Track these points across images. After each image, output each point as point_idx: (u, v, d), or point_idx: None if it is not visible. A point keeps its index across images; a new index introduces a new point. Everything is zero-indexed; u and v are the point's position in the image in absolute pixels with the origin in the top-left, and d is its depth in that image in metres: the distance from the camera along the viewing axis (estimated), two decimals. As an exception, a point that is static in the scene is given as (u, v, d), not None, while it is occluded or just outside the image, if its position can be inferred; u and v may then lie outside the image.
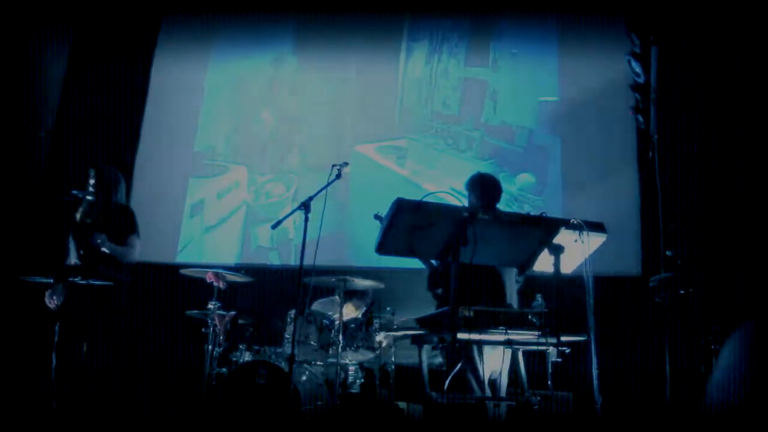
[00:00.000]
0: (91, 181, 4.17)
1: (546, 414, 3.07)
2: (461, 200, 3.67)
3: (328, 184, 3.83)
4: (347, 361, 4.29)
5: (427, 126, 6.12)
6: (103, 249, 3.94)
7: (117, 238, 4.05)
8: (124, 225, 4.13)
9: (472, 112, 6.10)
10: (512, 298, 3.59)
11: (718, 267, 4.98)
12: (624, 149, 5.75)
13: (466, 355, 3.25)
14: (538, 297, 2.99)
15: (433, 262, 3.74)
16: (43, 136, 6.30)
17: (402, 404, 4.24)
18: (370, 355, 4.27)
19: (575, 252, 2.83)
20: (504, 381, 3.45)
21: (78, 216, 4.17)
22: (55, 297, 3.94)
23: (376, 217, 4.20)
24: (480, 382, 3.32)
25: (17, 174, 5.87)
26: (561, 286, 2.73)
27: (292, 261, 5.81)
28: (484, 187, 3.72)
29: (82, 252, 4.01)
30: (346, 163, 3.90)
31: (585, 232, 2.79)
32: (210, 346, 4.37)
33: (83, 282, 3.85)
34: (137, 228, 4.17)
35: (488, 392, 3.35)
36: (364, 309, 4.65)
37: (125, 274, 4.12)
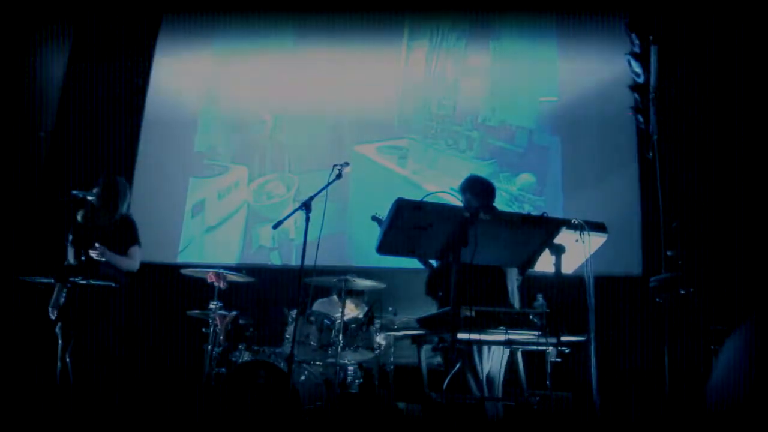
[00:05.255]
0: (100, 181, 4.18)
1: (545, 414, 3.06)
2: (461, 200, 3.67)
3: (329, 183, 3.82)
4: (346, 361, 4.29)
5: (427, 126, 6.12)
6: (103, 259, 3.95)
7: (119, 248, 4.09)
8: (127, 236, 4.16)
9: (471, 113, 6.10)
10: (514, 296, 3.58)
11: (718, 267, 4.98)
12: (624, 149, 5.75)
13: (467, 355, 3.25)
14: (539, 297, 2.99)
15: (433, 263, 3.74)
16: (43, 136, 6.30)
17: (401, 404, 4.24)
18: (370, 355, 4.27)
19: (576, 252, 2.82)
20: (500, 379, 3.44)
21: (79, 217, 4.18)
22: (56, 308, 3.98)
23: (374, 218, 4.22)
24: (479, 382, 3.32)
25: (17, 174, 5.87)
26: (561, 286, 2.73)
27: (293, 261, 5.82)
28: (482, 189, 3.73)
29: (84, 257, 4.01)
30: (347, 163, 3.88)
31: (586, 232, 2.78)
32: (210, 346, 4.37)
33: (84, 282, 3.85)
34: (138, 239, 4.20)
35: (486, 392, 3.35)
36: (364, 309, 4.65)
37: (125, 275, 4.12)
